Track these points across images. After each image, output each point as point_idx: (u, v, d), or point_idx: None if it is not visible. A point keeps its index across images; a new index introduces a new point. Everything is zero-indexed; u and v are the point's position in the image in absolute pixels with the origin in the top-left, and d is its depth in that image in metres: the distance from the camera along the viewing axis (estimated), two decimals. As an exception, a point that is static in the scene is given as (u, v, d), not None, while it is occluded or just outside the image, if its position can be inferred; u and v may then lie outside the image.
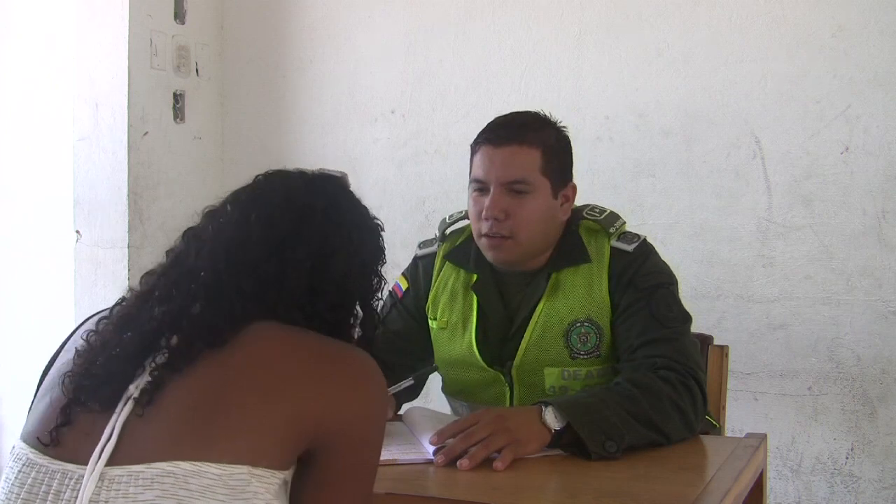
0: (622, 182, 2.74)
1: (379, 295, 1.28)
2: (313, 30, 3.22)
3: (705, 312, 2.51)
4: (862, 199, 2.51)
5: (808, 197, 2.56)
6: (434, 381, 1.93)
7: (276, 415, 1.04)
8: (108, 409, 1.05)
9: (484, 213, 1.70)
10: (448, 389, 1.90)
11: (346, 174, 1.31)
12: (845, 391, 2.53)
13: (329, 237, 1.19)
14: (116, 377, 1.07)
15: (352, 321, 1.24)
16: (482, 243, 1.75)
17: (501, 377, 1.76)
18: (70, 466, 1.03)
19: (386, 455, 1.40)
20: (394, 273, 2.94)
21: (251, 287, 1.12)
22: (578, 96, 2.80)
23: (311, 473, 1.09)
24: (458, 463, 1.39)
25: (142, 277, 1.19)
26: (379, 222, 1.30)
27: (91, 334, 1.14)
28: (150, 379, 1.05)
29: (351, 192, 1.28)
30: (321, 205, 1.21)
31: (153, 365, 1.07)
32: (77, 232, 3.17)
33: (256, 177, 1.25)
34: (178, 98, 3.19)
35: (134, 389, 1.05)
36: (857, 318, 2.51)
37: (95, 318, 1.19)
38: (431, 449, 1.45)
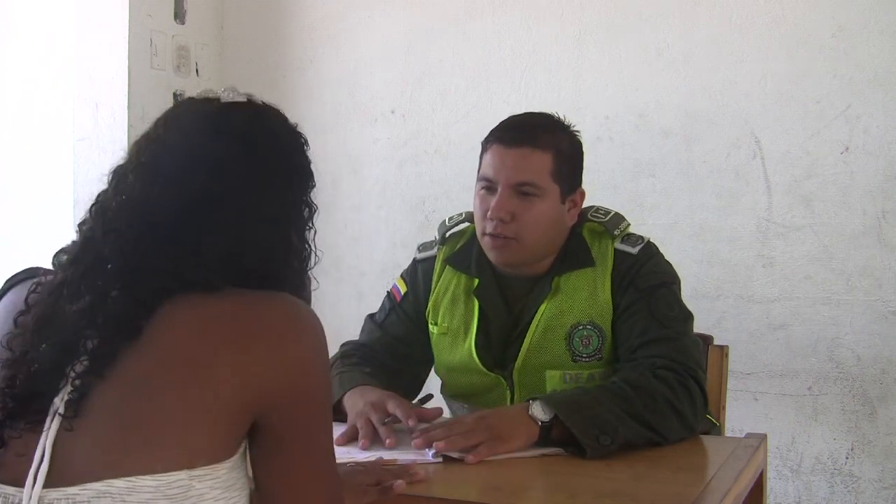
0: (622, 182, 2.74)
1: (311, 223, 1.13)
2: (313, 30, 3.22)
3: (705, 312, 2.51)
4: (862, 199, 2.51)
5: (808, 197, 2.56)
6: (434, 381, 1.93)
7: (207, 403, 0.96)
8: (37, 426, 0.97)
9: (489, 213, 1.68)
10: (448, 392, 1.89)
11: (252, 95, 1.14)
12: (845, 391, 2.53)
13: (246, 186, 1.06)
14: (40, 392, 0.98)
15: (287, 262, 1.10)
16: (485, 242, 1.72)
17: (502, 381, 1.75)
18: (10, 490, 0.97)
19: (386, 455, 1.40)
20: (393, 272, 2.96)
21: (167, 264, 1.01)
22: (578, 96, 2.79)
23: (260, 443, 1.01)
24: (433, 444, 1.42)
25: (54, 257, 1.09)
26: (302, 138, 1.14)
27: (12, 339, 1.03)
28: (72, 389, 0.97)
29: (264, 116, 1.13)
30: (233, 150, 1.06)
31: (74, 374, 0.97)
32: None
33: (157, 121, 1.13)
34: (178, 98, 3.19)
35: (59, 403, 0.97)
36: (857, 318, 2.51)
37: (11, 305, 1.08)
38: (431, 450, 1.45)
